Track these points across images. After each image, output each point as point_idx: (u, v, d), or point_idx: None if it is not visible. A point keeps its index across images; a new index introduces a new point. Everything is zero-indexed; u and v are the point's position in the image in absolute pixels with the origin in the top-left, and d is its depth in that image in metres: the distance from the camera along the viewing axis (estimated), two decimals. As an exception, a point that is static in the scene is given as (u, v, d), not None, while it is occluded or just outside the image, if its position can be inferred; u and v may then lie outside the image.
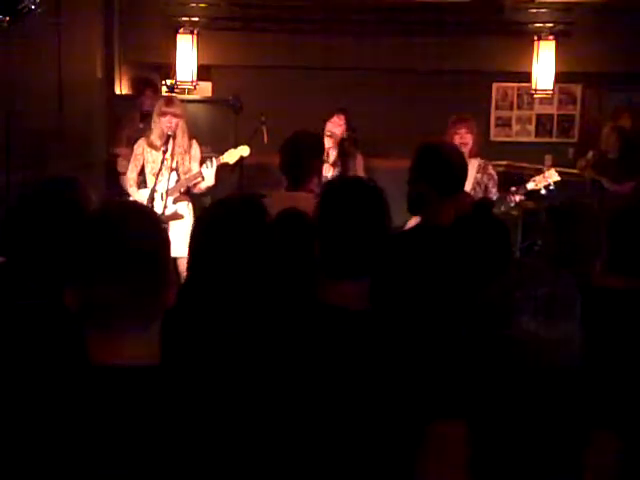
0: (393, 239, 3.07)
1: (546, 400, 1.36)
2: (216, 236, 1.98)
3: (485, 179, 5.00)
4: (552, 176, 4.89)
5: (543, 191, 4.93)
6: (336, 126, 5.47)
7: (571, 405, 1.37)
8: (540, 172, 5.05)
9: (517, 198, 4.90)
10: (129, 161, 5.28)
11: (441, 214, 2.80)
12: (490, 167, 5.06)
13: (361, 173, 5.65)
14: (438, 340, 2.02)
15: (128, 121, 6.57)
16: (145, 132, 5.24)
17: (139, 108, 6.57)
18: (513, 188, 4.92)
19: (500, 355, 1.37)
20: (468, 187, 4.97)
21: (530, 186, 4.92)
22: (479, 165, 5.03)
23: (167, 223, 4.85)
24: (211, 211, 2.14)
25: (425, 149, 2.91)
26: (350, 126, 5.54)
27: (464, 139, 4.94)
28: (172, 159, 4.97)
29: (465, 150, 4.90)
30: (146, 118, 6.33)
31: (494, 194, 4.94)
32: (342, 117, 5.52)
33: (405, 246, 2.78)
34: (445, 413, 1.52)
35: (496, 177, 5.04)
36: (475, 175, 5.00)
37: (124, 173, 5.97)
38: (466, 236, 2.69)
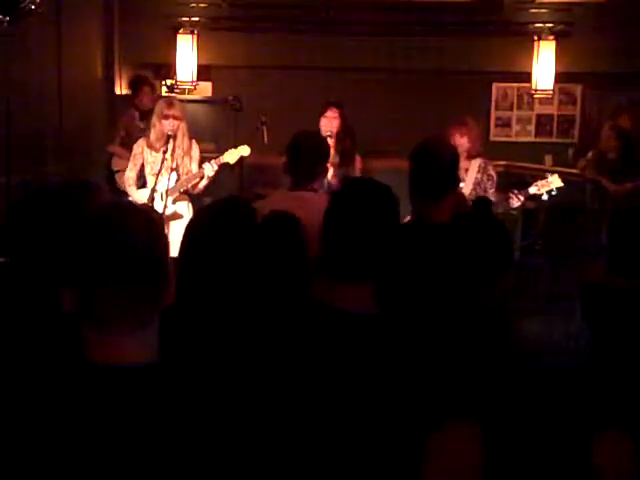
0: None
1: (551, 401, 1.35)
2: (203, 240, 1.98)
3: (484, 179, 5.03)
4: (555, 182, 4.93)
5: (545, 196, 4.98)
6: (331, 121, 5.39)
7: (577, 406, 1.37)
8: (543, 176, 5.07)
9: (517, 202, 4.92)
10: (125, 159, 5.26)
11: (429, 215, 2.79)
12: (490, 168, 5.08)
13: (357, 174, 5.62)
14: (444, 339, 2.01)
15: (127, 120, 6.53)
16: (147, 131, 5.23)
17: (138, 106, 6.53)
18: (515, 190, 4.94)
19: (503, 357, 1.37)
20: (468, 187, 4.99)
21: (532, 190, 4.97)
22: (479, 165, 5.05)
23: (167, 223, 4.86)
24: (198, 215, 2.14)
25: (412, 153, 2.91)
26: (345, 119, 5.47)
27: (458, 141, 4.99)
28: (172, 159, 4.97)
29: (462, 151, 4.92)
30: (147, 116, 6.33)
31: (492, 195, 4.95)
32: (335, 110, 5.45)
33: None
34: (456, 414, 1.51)
35: (495, 178, 5.06)
36: (475, 176, 5.02)
37: (119, 171, 5.97)
38: (465, 234, 2.69)
